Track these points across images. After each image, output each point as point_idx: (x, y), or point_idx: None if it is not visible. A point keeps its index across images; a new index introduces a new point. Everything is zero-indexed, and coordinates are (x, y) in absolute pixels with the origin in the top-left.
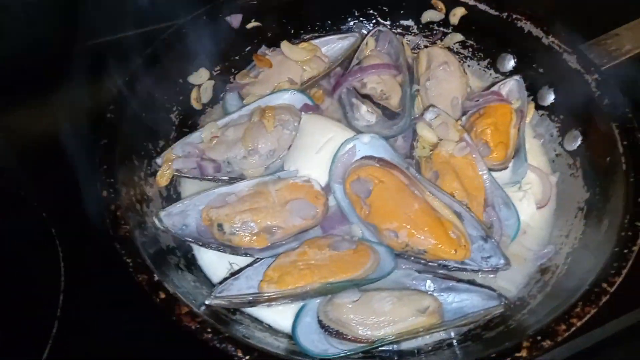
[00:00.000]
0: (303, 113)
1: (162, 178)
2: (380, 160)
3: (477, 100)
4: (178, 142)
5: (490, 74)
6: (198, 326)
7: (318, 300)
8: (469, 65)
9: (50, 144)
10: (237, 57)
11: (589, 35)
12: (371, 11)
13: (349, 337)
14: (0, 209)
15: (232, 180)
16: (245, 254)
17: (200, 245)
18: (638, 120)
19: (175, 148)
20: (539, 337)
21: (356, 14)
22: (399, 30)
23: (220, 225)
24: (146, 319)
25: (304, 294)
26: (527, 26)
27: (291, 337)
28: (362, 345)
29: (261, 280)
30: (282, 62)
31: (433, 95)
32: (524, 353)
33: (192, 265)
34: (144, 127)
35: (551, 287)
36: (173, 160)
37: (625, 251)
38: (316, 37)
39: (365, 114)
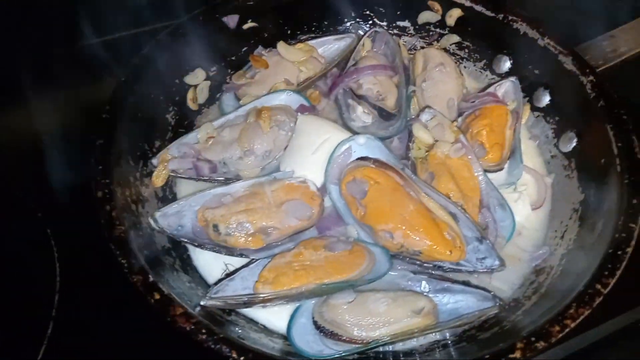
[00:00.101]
0: (299, 114)
1: (158, 178)
2: (376, 161)
3: (473, 102)
4: (174, 142)
5: (487, 75)
6: (193, 327)
7: (313, 301)
8: (465, 67)
9: (46, 144)
10: (233, 58)
11: (585, 37)
12: (368, 12)
13: (344, 338)
14: None
15: (228, 181)
16: (241, 255)
17: (196, 246)
18: (633, 122)
19: (171, 148)
20: (532, 339)
21: (353, 14)
22: (395, 31)
23: (215, 226)
24: (142, 319)
25: (299, 294)
26: (523, 27)
27: (286, 337)
28: (357, 346)
29: (256, 281)
30: (278, 63)
31: (429, 97)
32: (517, 354)
33: (187, 265)
34: (140, 127)
35: (546, 288)
36: (169, 161)
37: (619, 253)
38: (313, 38)
39: (362, 114)
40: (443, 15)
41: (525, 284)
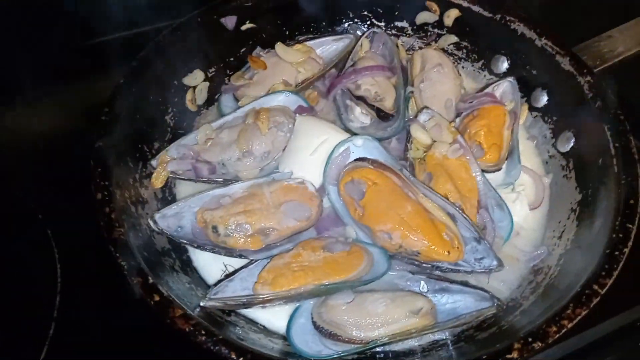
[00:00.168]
0: (297, 115)
1: (157, 180)
2: (374, 162)
3: (471, 102)
4: (173, 144)
5: (485, 75)
6: (192, 328)
7: (312, 302)
8: (463, 67)
9: (47, 145)
10: (232, 59)
11: (582, 37)
12: (366, 12)
13: (343, 338)
14: None
15: (227, 182)
16: (240, 256)
17: (195, 247)
18: (630, 123)
19: (170, 150)
20: (530, 339)
21: (351, 15)
22: (393, 31)
23: (214, 227)
24: (143, 319)
25: (298, 295)
26: (521, 28)
27: (286, 338)
28: (356, 346)
29: (255, 282)
30: (276, 64)
31: (427, 97)
32: (515, 354)
33: (187, 266)
34: (139, 129)
35: (543, 289)
36: (168, 162)
37: (617, 253)
38: (311, 39)
39: (360, 115)
40: (441, 16)
41: (523, 284)
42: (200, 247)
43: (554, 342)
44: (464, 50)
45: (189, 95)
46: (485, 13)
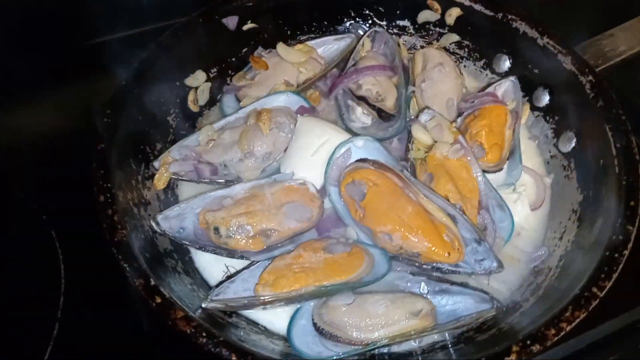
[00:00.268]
0: (299, 115)
1: (160, 181)
2: (375, 162)
3: (473, 102)
4: (175, 145)
5: (486, 75)
6: (193, 330)
7: (313, 303)
8: (465, 66)
9: (49, 145)
10: (233, 59)
11: (584, 36)
12: (367, 11)
13: (343, 339)
14: (1, 211)
15: (229, 183)
16: (242, 257)
17: (197, 248)
18: (632, 123)
19: (172, 151)
20: (528, 341)
21: (352, 14)
22: (395, 30)
23: (216, 229)
24: (146, 320)
25: (299, 297)
26: (523, 27)
27: (286, 339)
28: (356, 347)
29: (257, 283)
30: (278, 64)
31: (428, 97)
32: (513, 357)
33: (189, 268)
34: (141, 130)
35: (544, 290)
36: (170, 164)
37: (616, 255)
38: (312, 38)
39: (361, 115)
40: (442, 15)
41: (524, 285)
42: (202, 248)
43: (553, 344)
44: (466, 49)
45: (190, 96)
46: (487, 12)
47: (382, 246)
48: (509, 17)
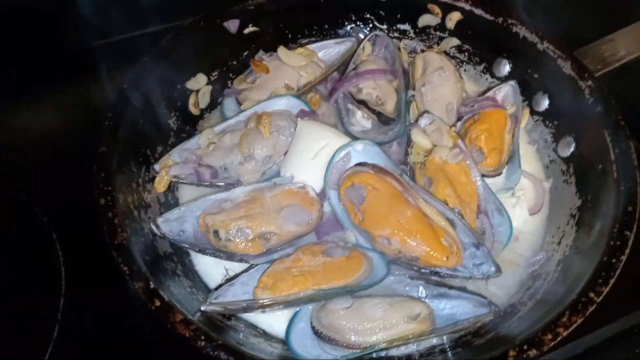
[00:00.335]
0: (299, 119)
1: (160, 184)
2: (374, 166)
3: (472, 106)
4: (176, 148)
5: (487, 79)
6: (192, 333)
7: (312, 306)
8: (465, 70)
9: (50, 147)
10: (234, 62)
11: (584, 41)
12: (368, 15)
13: (341, 343)
14: (2, 213)
15: (229, 186)
16: (241, 260)
17: (197, 251)
18: (630, 128)
19: (172, 154)
20: (525, 346)
21: (353, 18)
22: (395, 34)
23: (216, 232)
24: (146, 322)
25: (297, 300)
26: (522, 31)
27: (285, 342)
28: (354, 351)
29: (256, 287)
30: (278, 68)
31: (428, 101)
32: None
33: (189, 270)
34: (142, 133)
35: (541, 295)
36: (171, 167)
37: (614, 261)
38: (313, 42)
39: (361, 119)
40: (443, 19)
41: (522, 289)
42: (202, 251)
43: (550, 349)
44: (466, 53)
45: (191, 99)
46: (487, 16)
47: (380, 250)
48: (509, 21)
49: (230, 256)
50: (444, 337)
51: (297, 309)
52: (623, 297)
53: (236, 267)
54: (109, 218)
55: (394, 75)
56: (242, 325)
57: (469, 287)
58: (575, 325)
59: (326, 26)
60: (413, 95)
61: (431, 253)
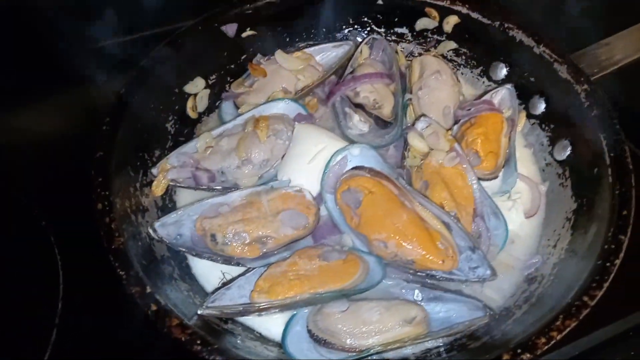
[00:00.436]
0: (296, 122)
1: (158, 188)
2: (370, 170)
3: (469, 109)
4: (173, 152)
5: (483, 82)
6: (188, 338)
7: (308, 310)
8: (462, 73)
9: (49, 149)
10: (232, 66)
11: (580, 44)
12: (365, 19)
13: (337, 346)
14: (2, 214)
15: (226, 190)
16: (238, 264)
17: (194, 255)
18: (626, 132)
19: (170, 158)
20: (519, 350)
21: (351, 21)
22: (393, 37)
23: (213, 236)
24: (144, 326)
25: (293, 304)
26: (519, 35)
27: (281, 345)
28: (350, 354)
29: (252, 290)
30: (276, 71)
31: (425, 104)
32: None
33: (186, 274)
34: (140, 137)
35: (536, 298)
36: (168, 170)
37: (608, 265)
38: (311, 45)
39: (358, 123)
40: (440, 22)
41: (517, 292)
42: (199, 255)
43: (544, 352)
44: (463, 57)
45: (189, 103)
46: (484, 20)
47: (377, 253)
48: (506, 25)
49: (227, 260)
50: (439, 340)
51: (294, 312)
52: (617, 301)
53: (233, 270)
54: (106, 223)
55: (391, 79)
56: (238, 328)
57: (465, 290)
58: (569, 329)
59: (324, 30)
60: (410, 99)
61: (427, 256)
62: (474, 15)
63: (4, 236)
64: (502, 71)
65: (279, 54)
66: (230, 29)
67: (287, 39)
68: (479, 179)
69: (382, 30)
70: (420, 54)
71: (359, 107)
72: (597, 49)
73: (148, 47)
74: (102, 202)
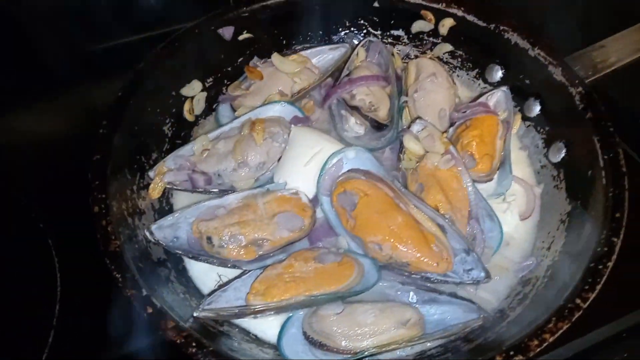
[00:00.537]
0: (293, 125)
1: (155, 191)
2: (366, 173)
3: (465, 112)
4: (170, 154)
5: (479, 84)
6: (183, 340)
7: (303, 312)
8: (458, 75)
9: (48, 151)
10: (229, 69)
11: (575, 47)
12: (362, 21)
13: (332, 348)
14: (1, 215)
15: (223, 193)
16: (234, 266)
17: (190, 258)
18: (620, 134)
19: (167, 161)
20: (511, 352)
21: (347, 24)
22: (389, 40)
23: (209, 238)
24: (143, 328)
25: (289, 306)
26: (514, 38)
27: (277, 347)
28: (344, 356)
29: (248, 293)
30: (273, 74)
31: (421, 107)
32: None
33: (182, 276)
34: (137, 140)
35: (530, 300)
36: (165, 173)
37: (600, 267)
38: (307, 48)
39: (354, 125)
40: (436, 25)
41: (512, 294)
42: (195, 257)
43: (537, 355)
44: (459, 59)
45: (186, 106)
46: (480, 22)
47: (372, 256)
48: (501, 28)
49: (223, 262)
50: (434, 342)
51: (289, 314)
52: (611, 303)
53: (229, 273)
54: (102, 225)
55: (387, 82)
56: (234, 330)
57: (460, 292)
58: (561, 331)
59: (320, 32)
60: (406, 101)
61: (422, 259)
62: (470, 17)
63: (3, 236)
64: (498, 73)
65: (276, 57)
66: (227, 32)
67: (284, 42)
68: (474, 181)
69: (379, 32)
70: (416, 57)
71: (355, 109)
72: (591, 52)
73: (145, 49)
74: (99, 205)
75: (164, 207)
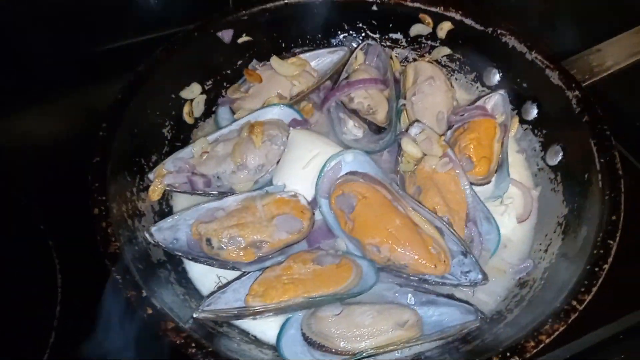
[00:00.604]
0: (291, 128)
1: (154, 193)
2: (364, 175)
3: (462, 115)
4: (170, 157)
5: (477, 87)
6: (182, 341)
7: (302, 313)
8: (456, 79)
9: (49, 153)
10: (228, 71)
11: (572, 51)
12: (360, 25)
13: (330, 349)
14: (2, 215)
15: (222, 195)
16: (233, 268)
17: (190, 259)
18: (617, 137)
19: (166, 163)
20: (508, 354)
21: (346, 27)
22: (388, 43)
23: (209, 240)
24: (143, 329)
25: (288, 307)
26: (512, 41)
27: (276, 348)
28: (343, 357)
29: (247, 294)
30: (271, 77)
31: (419, 110)
32: None
33: (182, 278)
34: (136, 143)
35: (527, 302)
36: (165, 175)
37: (596, 269)
38: (306, 51)
39: (352, 128)
40: (434, 28)
41: (509, 296)
42: (195, 259)
43: (533, 356)
44: (457, 62)
45: (186, 108)
46: (477, 26)
47: (370, 258)
48: (499, 31)
49: (222, 264)
50: (431, 344)
51: (288, 316)
52: (607, 305)
53: (228, 274)
54: (102, 227)
55: (386, 85)
56: (234, 332)
57: (457, 294)
58: (557, 333)
59: (319, 35)
60: (404, 104)
61: (420, 261)
62: (468, 21)
63: (3, 237)
64: (495, 77)
65: (274, 60)
66: (226, 35)
67: (283, 45)
68: (472, 184)
69: (377, 36)
70: (414, 60)
71: (353, 112)
72: (588, 55)
73: (145, 52)
74: (99, 207)
75: (164, 209)
